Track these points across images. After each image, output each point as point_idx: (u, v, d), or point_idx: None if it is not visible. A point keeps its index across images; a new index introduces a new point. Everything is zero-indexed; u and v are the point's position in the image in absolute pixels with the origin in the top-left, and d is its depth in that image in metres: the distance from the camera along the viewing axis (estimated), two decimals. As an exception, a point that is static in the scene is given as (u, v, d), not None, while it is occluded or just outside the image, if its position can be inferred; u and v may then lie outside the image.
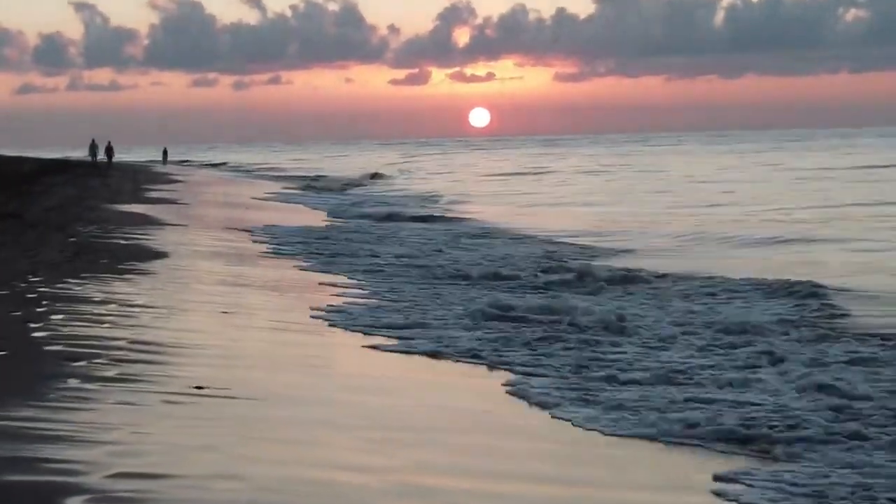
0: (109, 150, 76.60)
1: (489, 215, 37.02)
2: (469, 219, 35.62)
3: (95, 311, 12.81)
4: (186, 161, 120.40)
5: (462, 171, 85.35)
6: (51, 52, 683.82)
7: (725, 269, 20.79)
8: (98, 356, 10.13)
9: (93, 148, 75.88)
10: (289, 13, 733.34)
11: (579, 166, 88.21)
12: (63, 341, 10.74)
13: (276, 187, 59.46)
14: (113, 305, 13.42)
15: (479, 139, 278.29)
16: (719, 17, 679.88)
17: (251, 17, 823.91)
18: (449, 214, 37.46)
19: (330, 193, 55.01)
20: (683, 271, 20.45)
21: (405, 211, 38.56)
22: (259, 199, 46.46)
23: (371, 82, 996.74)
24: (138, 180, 58.82)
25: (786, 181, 56.74)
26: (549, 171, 78.89)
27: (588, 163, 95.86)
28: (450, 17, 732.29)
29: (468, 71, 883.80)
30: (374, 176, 74.32)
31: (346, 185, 63.94)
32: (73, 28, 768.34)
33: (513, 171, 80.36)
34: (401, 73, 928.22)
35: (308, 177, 73.29)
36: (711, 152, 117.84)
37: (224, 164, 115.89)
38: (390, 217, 35.83)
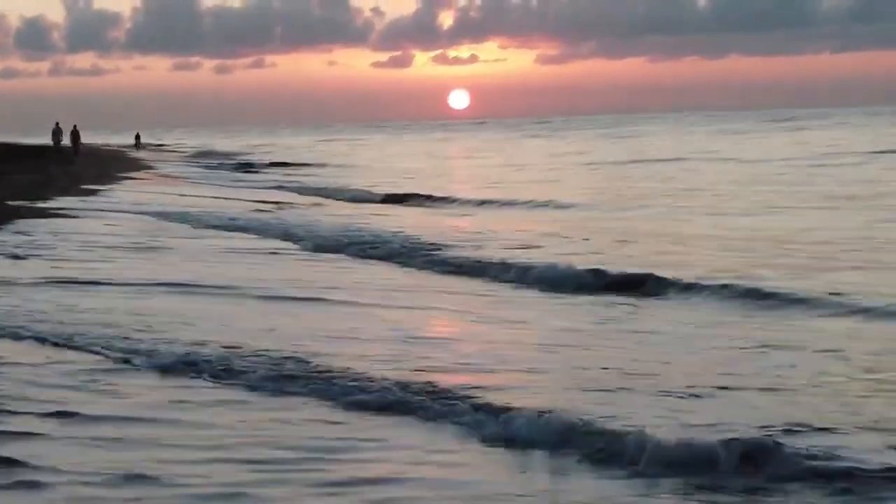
0: (75, 135, 69.58)
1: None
2: None
3: None
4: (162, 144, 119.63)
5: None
6: (33, 36, 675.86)
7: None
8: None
9: (56, 132, 68.91)
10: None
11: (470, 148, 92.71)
12: None
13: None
14: None
15: (446, 122, 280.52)
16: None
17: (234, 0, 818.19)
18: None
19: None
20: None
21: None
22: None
23: (355, 65, 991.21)
24: (104, 168, 53.74)
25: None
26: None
27: (480, 146, 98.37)
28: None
29: (451, 53, 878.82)
30: None
31: None
32: (55, 11, 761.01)
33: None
34: (384, 56, 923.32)
35: None
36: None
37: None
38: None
